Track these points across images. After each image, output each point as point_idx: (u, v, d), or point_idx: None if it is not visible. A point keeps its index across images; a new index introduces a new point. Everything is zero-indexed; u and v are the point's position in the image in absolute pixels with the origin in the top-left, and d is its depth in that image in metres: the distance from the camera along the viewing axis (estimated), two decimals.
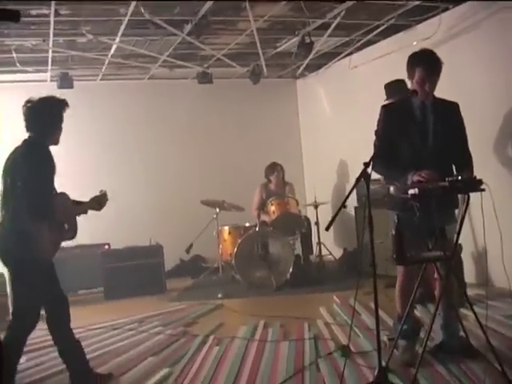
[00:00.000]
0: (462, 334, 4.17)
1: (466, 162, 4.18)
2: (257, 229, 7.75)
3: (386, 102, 4.35)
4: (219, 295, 7.29)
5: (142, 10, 6.01)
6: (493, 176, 6.21)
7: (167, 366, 4.62)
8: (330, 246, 8.54)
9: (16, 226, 3.92)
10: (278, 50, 8.13)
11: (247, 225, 8.13)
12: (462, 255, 6.08)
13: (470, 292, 6.05)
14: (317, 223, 8.20)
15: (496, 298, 5.82)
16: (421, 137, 4.13)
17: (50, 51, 7.29)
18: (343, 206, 3.57)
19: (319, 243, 8.24)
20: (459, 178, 3.66)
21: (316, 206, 8.05)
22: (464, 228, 6.17)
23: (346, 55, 8.70)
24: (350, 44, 8.14)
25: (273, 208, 7.91)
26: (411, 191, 3.73)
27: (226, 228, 8.19)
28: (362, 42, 7.96)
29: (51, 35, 6.57)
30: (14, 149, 4.12)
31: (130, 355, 5.01)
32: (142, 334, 5.70)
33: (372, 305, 5.90)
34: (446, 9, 6.65)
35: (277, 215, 7.84)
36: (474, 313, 3.84)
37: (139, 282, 7.79)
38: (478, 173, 3.91)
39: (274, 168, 8.49)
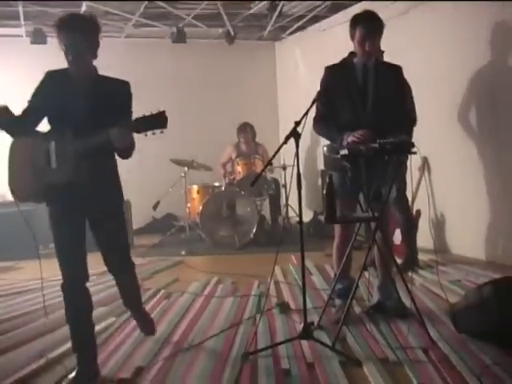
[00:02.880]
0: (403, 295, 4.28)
1: (404, 124, 4.22)
2: (223, 188, 7.84)
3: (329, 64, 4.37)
4: (182, 252, 7.41)
5: None
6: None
7: (113, 316, 4.75)
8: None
9: None
10: (251, 11, 8.11)
11: (216, 184, 8.21)
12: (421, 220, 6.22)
13: (425, 257, 6.16)
14: (284, 185, 8.27)
15: (448, 264, 5.96)
16: (361, 98, 4.17)
17: (21, 6, 7.27)
18: (269, 164, 3.68)
19: (286, 205, 8.32)
20: (391, 139, 3.73)
21: (284, 168, 8.06)
22: (423, 193, 6.41)
23: (320, 18, 8.66)
24: (323, 7, 8.09)
25: (239, 168, 7.99)
26: (342, 152, 3.80)
27: (195, 187, 8.28)
28: (330, 4, 7.93)
29: None
30: None
31: None
32: (99, 286, 5.79)
33: (327, 266, 6.12)
34: None
35: (242, 175, 7.92)
36: (403, 278, 3.97)
37: None
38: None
39: (243, 128, 8.55)
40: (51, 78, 3.48)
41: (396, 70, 4.29)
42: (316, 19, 8.75)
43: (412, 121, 4.34)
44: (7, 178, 3.51)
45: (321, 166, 8.31)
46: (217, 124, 9.56)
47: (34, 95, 3.48)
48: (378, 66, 4.22)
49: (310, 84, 9.38)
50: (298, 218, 7.32)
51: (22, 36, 8.65)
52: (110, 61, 9.10)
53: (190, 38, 8.94)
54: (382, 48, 4.58)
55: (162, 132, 3.28)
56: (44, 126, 3.53)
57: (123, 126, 3.24)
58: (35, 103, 3.47)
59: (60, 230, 3.51)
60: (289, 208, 8.22)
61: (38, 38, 8.24)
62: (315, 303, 4.78)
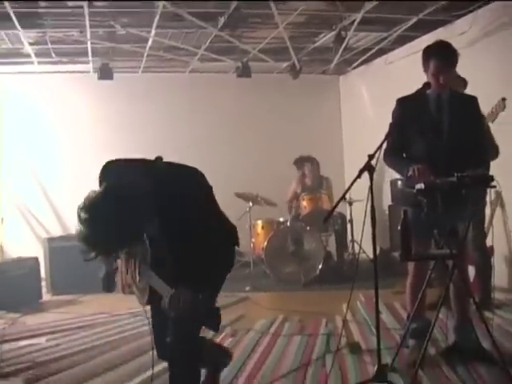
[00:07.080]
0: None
1: (481, 156, 4.02)
2: (288, 224, 7.73)
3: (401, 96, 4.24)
4: (247, 288, 7.30)
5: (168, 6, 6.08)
6: None
7: None
8: (366, 244, 8.40)
9: None
10: (316, 44, 8.06)
11: (281, 219, 8.07)
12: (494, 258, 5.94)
13: (501, 296, 5.88)
14: (350, 221, 8.11)
15: None
16: (435, 131, 4.02)
17: (89, 43, 7.41)
18: (343, 198, 3.55)
19: (352, 241, 8.15)
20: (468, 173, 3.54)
21: (350, 203, 7.92)
22: (497, 229, 6.13)
23: (386, 51, 8.56)
24: (389, 39, 7.98)
25: (304, 203, 7.86)
26: (418, 186, 3.63)
27: (259, 222, 8.18)
28: (396, 36, 7.79)
29: (88, 27, 6.67)
30: None
31: (144, 341, 5.03)
32: None
33: (396, 304, 5.90)
34: (485, 3, 6.43)
35: (308, 210, 7.79)
36: (483, 318, 3.72)
37: None
38: None
39: (305, 162, 8.47)
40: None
41: (471, 100, 4.12)
42: (382, 52, 8.65)
43: (488, 152, 4.15)
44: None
45: (387, 200, 8.12)
46: (281, 158, 9.45)
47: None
48: (452, 98, 4.06)
49: (374, 117, 9.36)
50: (363, 254, 7.26)
51: (90, 72, 8.83)
52: (177, 95, 9.40)
53: (255, 73, 8.95)
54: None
55: None
56: None
57: None
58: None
59: None
60: (354, 244, 8.08)
61: (105, 73, 8.38)
62: (387, 343, 4.55)
